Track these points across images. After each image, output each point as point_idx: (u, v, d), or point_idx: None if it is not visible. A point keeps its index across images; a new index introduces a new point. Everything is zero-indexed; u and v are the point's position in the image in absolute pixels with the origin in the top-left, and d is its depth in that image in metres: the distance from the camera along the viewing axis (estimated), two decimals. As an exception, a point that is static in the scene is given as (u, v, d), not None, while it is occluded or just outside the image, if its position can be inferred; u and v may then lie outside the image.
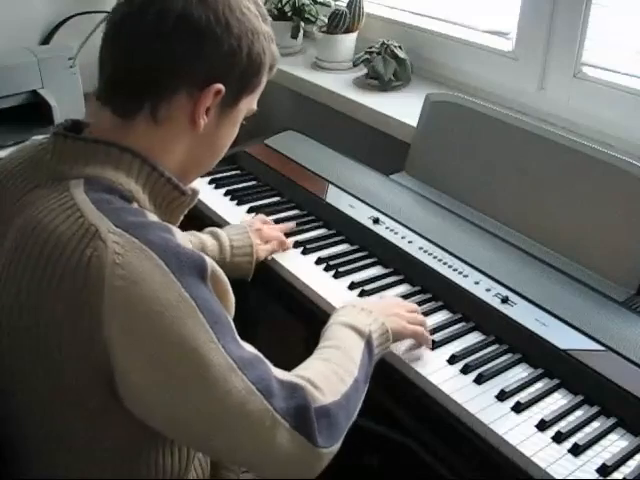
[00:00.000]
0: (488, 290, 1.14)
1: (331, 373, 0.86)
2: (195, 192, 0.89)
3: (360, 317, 0.98)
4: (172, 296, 0.72)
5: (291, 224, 1.34)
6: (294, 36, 2.02)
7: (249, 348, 0.79)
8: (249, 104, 0.92)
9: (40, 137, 0.91)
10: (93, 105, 0.87)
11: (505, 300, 1.12)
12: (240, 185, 1.51)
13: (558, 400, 0.97)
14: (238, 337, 0.78)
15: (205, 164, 0.94)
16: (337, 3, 2.00)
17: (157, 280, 0.72)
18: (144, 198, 0.83)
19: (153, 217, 0.80)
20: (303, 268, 1.24)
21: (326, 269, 1.24)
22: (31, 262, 0.75)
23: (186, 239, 0.80)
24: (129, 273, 0.71)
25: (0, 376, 0.82)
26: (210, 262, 0.78)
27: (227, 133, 0.91)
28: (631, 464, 0.87)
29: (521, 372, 1.02)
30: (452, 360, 1.02)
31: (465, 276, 1.18)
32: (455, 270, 1.20)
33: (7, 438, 0.85)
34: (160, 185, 0.84)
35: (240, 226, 1.26)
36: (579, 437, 0.90)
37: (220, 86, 0.83)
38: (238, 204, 1.43)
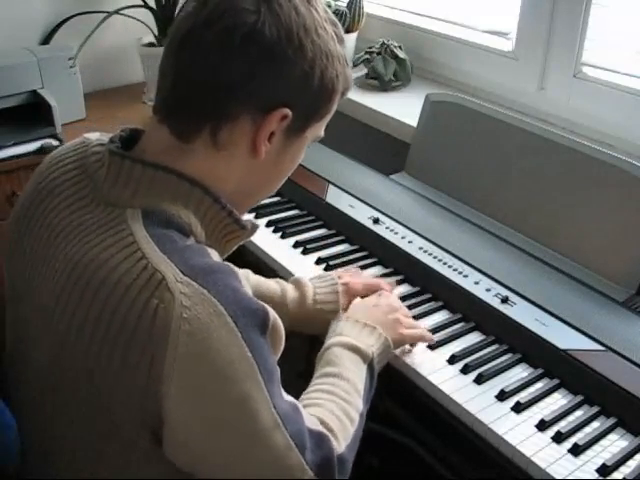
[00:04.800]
0: (488, 290, 1.14)
1: (342, 414, 0.86)
2: (255, 226, 0.85)
3: (363, 336, 0.97)
4: (235, 355, 0.70)
5: (384, 283, 1.17)
6: (294, 36, 2.02)
7: (288, 397, 0.78)
8: (316, 131, 0.85)
9: (94, 137, 0.85)
10: (149, 117, 0.81)
11: (505, 300, 1.12)
12: (240, 185, 1.51)
13: (558, 400, 0.97)
14: (281, 386, 0.77)
15: (261, 193, 0.89)
16: (337, 3, 2.00)
17: (223, 338, 0.69)
18: (201, 232, 0.78)
19: (215, 255, 0.77)
20: (303, 268, 1.24)
21: (326, 269, 1.24)
22: (85, 301, 0.71)
23: (246, 282, 0.76)
24: (196, 329, 0.68)
25: (41, 411, 0.80)
26: (272, 315, 0.75)
27: (290, 161, 0.85)
28: (631, 464, 0.87)
29: (521, 372, 1.02)
30: (452, 360, 1.02)
31: (465, 276, 1.18)
32: (455, 270, 1.20)
33: (43, 473, 0.83)
34: (220, 218, 0.80)
35: (328, 277, 1.15)
36: (579, 437, 0.90)
37: (287, 111, 0.77)
38: (238, 204, 1.44)
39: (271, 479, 0.75)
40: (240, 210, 0.85)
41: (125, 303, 0.69)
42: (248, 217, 1.39)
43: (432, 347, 1.05)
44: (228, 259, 0.87)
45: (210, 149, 0.78)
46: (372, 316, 1.01)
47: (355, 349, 0.95)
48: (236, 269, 0.76)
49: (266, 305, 0.75)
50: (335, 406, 0.87)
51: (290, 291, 1.11)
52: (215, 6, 0.75)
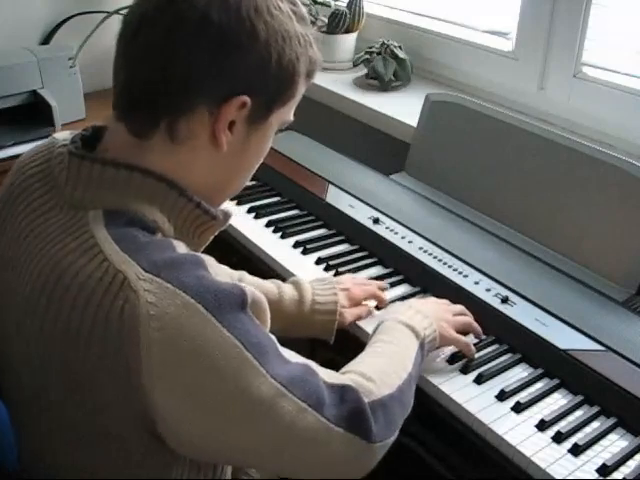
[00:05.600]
0: (488, 290, 1.14)
1: (386, 366, 0.86)
2: (227, 215, 0.83)
3: (417, 319, 0.97)
4: (214, 340, 0.68)
5: (383, 284, 1.18)
6: (294, 36, 2.02)
7: (295, 359, 0.76)
8: (282, 116, 0.82)
9: (61, 137, 0.84)
10: (110, 114, 0.79)
11: (505, 300, 1.12)
12: (240, 185, 1.51)
13: (558, 400, 0.97)
14: (282, 352, 0.75)
15: (233, 184, 0.86)
16: (337, 3, 2.00)
17: (197, 326, 0.67)
18: (169, 227, 0.77)
19: (181, 247, 0.74)
20: (303, 268, 1.24)
21: (326, 269, 1.24)
22: (53, 308, 0.70)
23: (219, 269, 0.75)
24: (166, 324, 0.66)
25: (38, 413, 0.78)
26: (249, 290, 0.73)
27: (256, 150, 0.83)
28: (631, 464, 0.87)
29: (521, 372, 1.02)
30: (452, 360, 1.02)
31: (465, 276, 1.18)
32: (455, 270, 1.20)
33: (43, 473, 0.83)
34: (188, 211, 0.78)
35: (327, 281, 1.13)
36: (579, 437, 0.90)
37: (245, 98, 0.75)
38: (238, 204, 1.43)
39: (294, 446, 0.74)
40: (214, 203, 0.83)
41: (91, 307, 0.68)
42: (245, 217, 1.39)
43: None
44: (227, 258, 0.87)
45: (169, 144, 0.76)
46: (427, 308, 1.02)
47: (409, 326, 0.95)
48: (204, 257, 0.74)
49: (240, 283, 0.73)
50: (381, 360, 0.87)
51: (288, 291, 1.10)
52: None
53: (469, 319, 1.07)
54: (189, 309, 0.68)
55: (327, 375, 0.78)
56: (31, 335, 0.74)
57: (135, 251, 0.70)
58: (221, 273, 0.74)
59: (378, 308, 1.14)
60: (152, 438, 0.72)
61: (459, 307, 1.08)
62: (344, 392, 0.78)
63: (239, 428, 0.71)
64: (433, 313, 1.01)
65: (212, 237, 0.85)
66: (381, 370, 0.85)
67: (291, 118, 0.85)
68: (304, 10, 0.82)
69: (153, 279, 0.68)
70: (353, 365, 0.86)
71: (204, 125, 0.76)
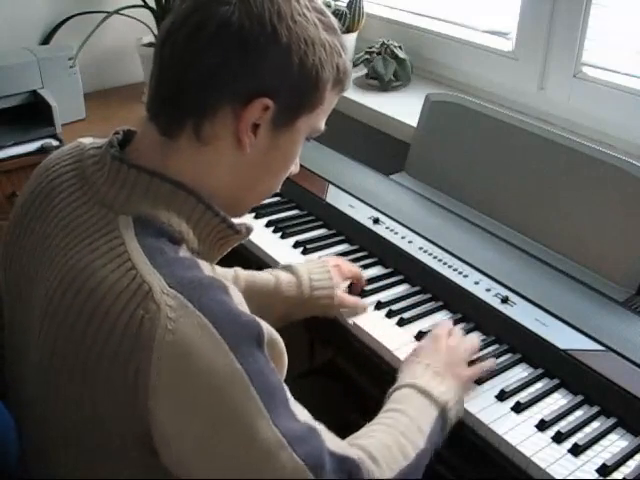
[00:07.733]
0: (488, 290, 1.14)
1: (394, 445, 0.82)
2: (249, 230, 0.84)
3: (434, 383, 0.92)
4: (223, 369, 0.68)
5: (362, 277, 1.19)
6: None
7: (303, 418, 0.73)
8: (311, 123, 0.82)
9: (87, 142, 0.85)
10: (143, 116, 0.82)
11: (505, 300, 1.12)
12: (240, 185, 1.51)
13: (558, 400, 0.97)
14: (292, 407, 0.73)
15: (259, 190, 0.87)
16: (337, 3, 2.00)
17: (208, 351, 0.67)
18: (193, 239, 0.78)
19: (207, 268, 0.75)
20: (303, 268, 1.24)
21: (326, 269, 1.24)
22: (75, 310, 0.71)
23: (241, 298, 0.75)
24: (180, 341, 0.67)
25: (38, 413, 0.78)
26: (267, 328, 0.73)
27: (283, 155, 0.83)
28: (631, 464, 0.87)
29: (521, 372, 1.02)
30: (452, 360, 1.02)
31: (465, 276, 1.18)
32: (455, 270, 1.20)
33: (43, 473, 0.83)
34: (213, 224, 0.79)
35: (318, 260, 1.17)
36: (579, 437, 0.90)
37: (267, 101, 0.76)
38: (238, 204, 1.44)
39: None
40: (239, 211, 0.86)
41: (113, 312, 0.69)
42: (245, 217, 1.39)
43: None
44: (228, 257, 0.87)
45: (195, 145, 0.78)
46: (440, 362, 0.96)
47: (426, 393, 0.90)
48: (227, 284, 0.74)
49: (258, 318, 0.73)
50: (389, 438, 0.83)
51: (284, 276, 1.11)
52: (192, 2, 0.77)
53: (474, 343, 1.03)
54: (204, 331, 0.68)
55: (333, 443, 0.75)
56: (48, 333, 0.74)
57: (162, 266, 0.71)
58: (243, 303, 0.74)
59: (377, 306, 1.14)
60: (150, 456, 0.71)
61: (462, 332, 1.05)
62: (345, 462, 0.74)
63: (231, 462, 0.70)
64: (448, 364, 0.96)
65: (230, 249, 0.85)
66: (388, 448, 0.81)
67: (321, 127, 0.85)
68: (334, 20, 0.82)
69: (176, 296, 0.69)
70: (361, 439, 0.82)
71: (227, 126, 0.77)
